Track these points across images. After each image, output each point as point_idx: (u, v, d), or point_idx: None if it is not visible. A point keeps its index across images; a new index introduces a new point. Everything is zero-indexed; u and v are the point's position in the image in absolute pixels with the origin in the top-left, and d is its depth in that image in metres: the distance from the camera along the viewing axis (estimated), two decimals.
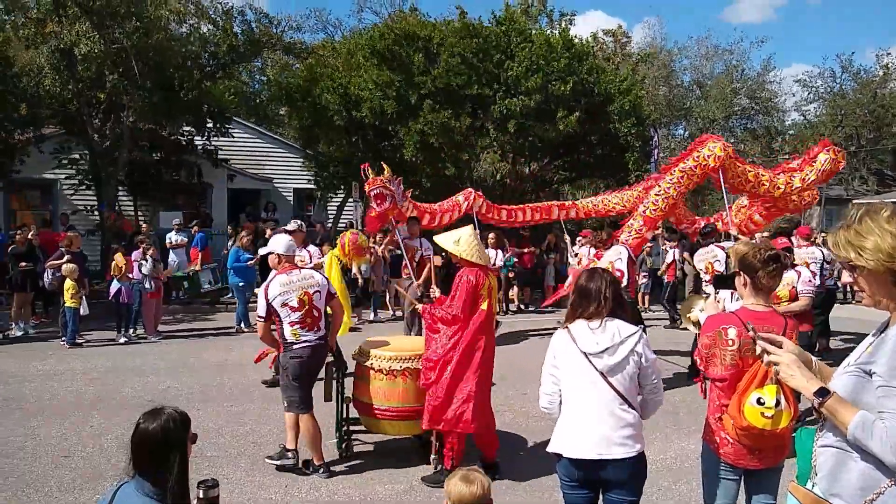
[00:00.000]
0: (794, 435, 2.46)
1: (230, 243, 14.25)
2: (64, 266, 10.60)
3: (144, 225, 16.50)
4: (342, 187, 19.11)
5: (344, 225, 19.66)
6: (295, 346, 5.09)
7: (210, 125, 17.91)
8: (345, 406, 5.55)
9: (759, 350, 2.33)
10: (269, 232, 12.60)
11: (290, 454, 5.23)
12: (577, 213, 11.72)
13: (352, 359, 5.57)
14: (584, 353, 3.15)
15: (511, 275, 14.89)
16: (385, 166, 8.48)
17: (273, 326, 5.25)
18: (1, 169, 15.56)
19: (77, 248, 11.33)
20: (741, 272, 3.39)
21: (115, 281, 10.94)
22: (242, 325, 11.64)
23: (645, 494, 3.24)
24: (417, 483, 5.10)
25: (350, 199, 18.29)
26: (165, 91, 15.85)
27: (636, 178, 19.53)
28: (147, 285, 11.07)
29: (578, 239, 12.58)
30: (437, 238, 5.52)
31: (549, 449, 3.23)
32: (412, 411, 5.28)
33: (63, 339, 10.44)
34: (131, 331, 11.09)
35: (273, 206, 20.29)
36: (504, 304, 14.82)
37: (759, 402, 3.04)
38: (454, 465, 4.96)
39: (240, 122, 21.94)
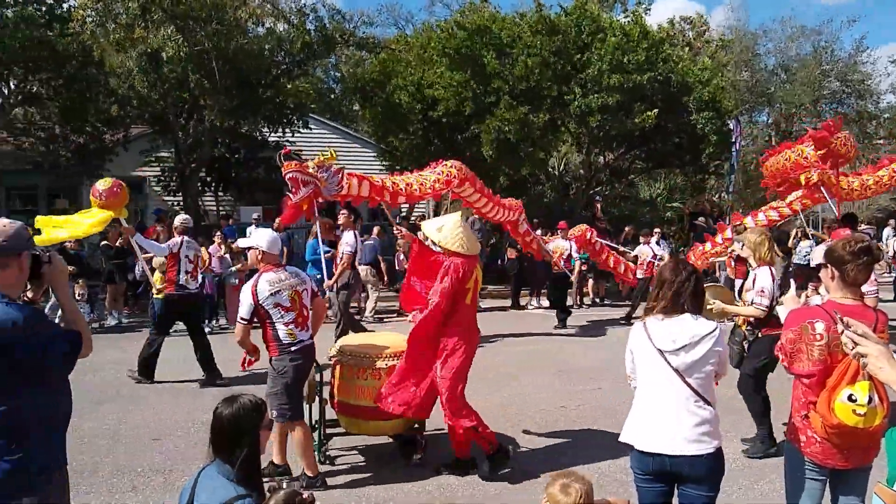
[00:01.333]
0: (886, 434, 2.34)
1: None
2: (155, 259, 11.12)
3: (230, 220, 17.10)
4: None
5: (418, 216, 19.84)
6: (292, 348, 4.71)
7: (286, 122, 18.41)
8: (322, 408, 5.33)
9: (845, 340, 2.22)
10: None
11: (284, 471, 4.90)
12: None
13: (328, 359, 5.32)
14: (659, 350, 3.09)
15: (584, 267, 14.66)
16: (332, 152, 7.72)
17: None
18: (95, 167, 16.47)
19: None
20: (828, 264, 3.22)
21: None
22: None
23: (724, 493, 3.16)
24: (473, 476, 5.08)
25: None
26: (244, 90, 16.39)
27: (714, 169, 18.93)
28: (233, 280, 11.54)
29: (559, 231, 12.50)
30: (422, 224, 5.36)
31: (621, 439, 3.21)
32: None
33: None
34: (214, 321, 11.55)
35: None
36: (578, 297, 14.61)
37: (850, 398, 2.90)
38: (493, 447, 4.98)
39: (315, 118, 22.43)
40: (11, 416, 2.42)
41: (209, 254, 11.45)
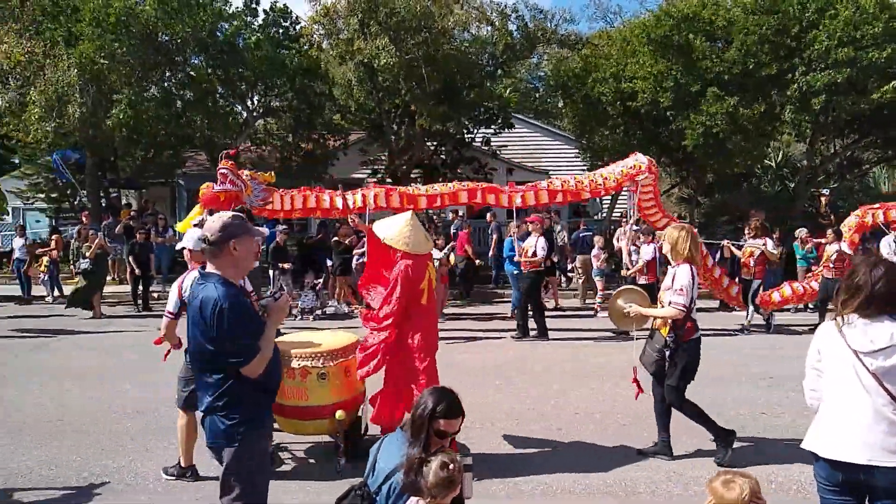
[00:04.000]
0: None
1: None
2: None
3: (435, 217, 18.06)
4: None
5: (618, 214, 19.43)
6: None
7: (490, 122, 19.01)
8: None
9: None
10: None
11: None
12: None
13: None
14: (855, 352, 2.85)
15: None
16: (272, 174, 8.73)
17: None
18: (320, 171, 18.34)
19: None
20: None
21: None
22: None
23: None
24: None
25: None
26: (450, 93, 17.20)
27: None
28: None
29: (524, 225, 11.16)
30: (374, 226, 5.25)
31: (804, 446, 3.01)
32: (319, 410, 5.01)
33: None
34: None
35: None
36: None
37: None
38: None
39: (518, 116, 22.85)
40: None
41: None
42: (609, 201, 21.12)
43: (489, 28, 17.98)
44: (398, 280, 4.91)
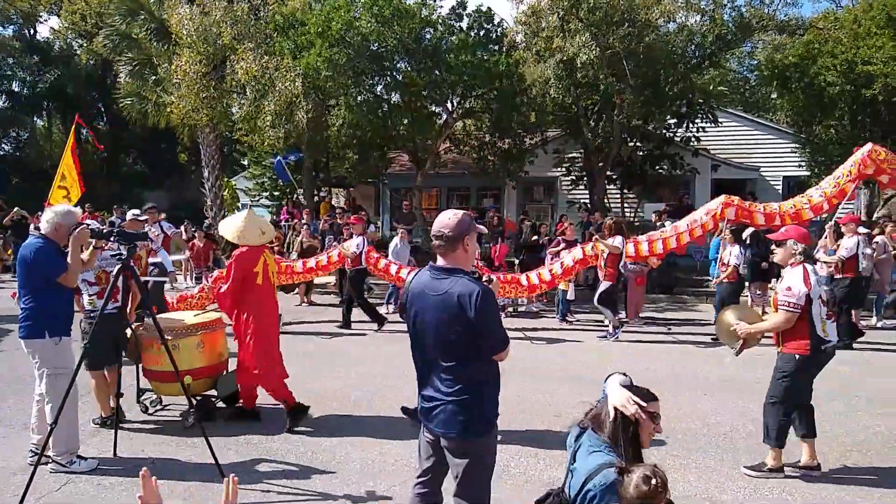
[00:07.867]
0: None
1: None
2: (562, 254, 12.07)
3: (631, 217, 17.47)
4: None
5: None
6: (92, 314, 5.85)
7: (694, 116, 17.95)
8: (137, 368, 6.36)
9: None
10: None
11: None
12: None
13: (136, 335, 6.10)
14: None
15: None
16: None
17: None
18: (516, 170, 18.44)
19: (571, 236, 12.75)
20: None
21: None
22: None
23: None
24: None
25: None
26: (652, 87, 16.48)
27: None
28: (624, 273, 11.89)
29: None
30: (220, 223, 6.33)
31: None
32: (170, 375, 5.53)
33: (557, 316, 11.96)
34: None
35: (751, 195, 19.29)
36: None
37: None
38: (289, 405, 5.99)
39: (725, 110, 21.35)
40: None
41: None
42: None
43: (698, 18, 16.94)
44: (232, 264, 5.96)
